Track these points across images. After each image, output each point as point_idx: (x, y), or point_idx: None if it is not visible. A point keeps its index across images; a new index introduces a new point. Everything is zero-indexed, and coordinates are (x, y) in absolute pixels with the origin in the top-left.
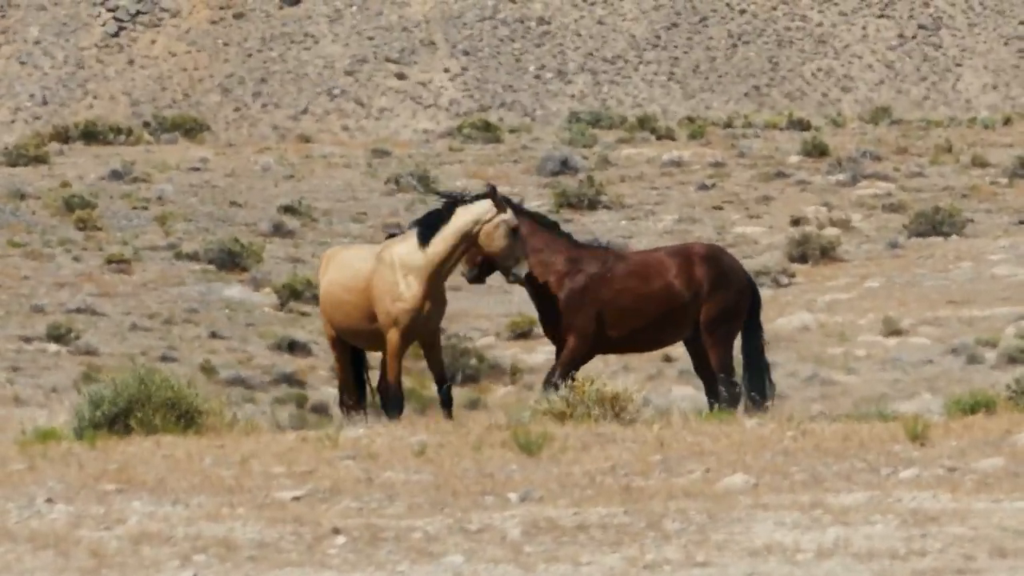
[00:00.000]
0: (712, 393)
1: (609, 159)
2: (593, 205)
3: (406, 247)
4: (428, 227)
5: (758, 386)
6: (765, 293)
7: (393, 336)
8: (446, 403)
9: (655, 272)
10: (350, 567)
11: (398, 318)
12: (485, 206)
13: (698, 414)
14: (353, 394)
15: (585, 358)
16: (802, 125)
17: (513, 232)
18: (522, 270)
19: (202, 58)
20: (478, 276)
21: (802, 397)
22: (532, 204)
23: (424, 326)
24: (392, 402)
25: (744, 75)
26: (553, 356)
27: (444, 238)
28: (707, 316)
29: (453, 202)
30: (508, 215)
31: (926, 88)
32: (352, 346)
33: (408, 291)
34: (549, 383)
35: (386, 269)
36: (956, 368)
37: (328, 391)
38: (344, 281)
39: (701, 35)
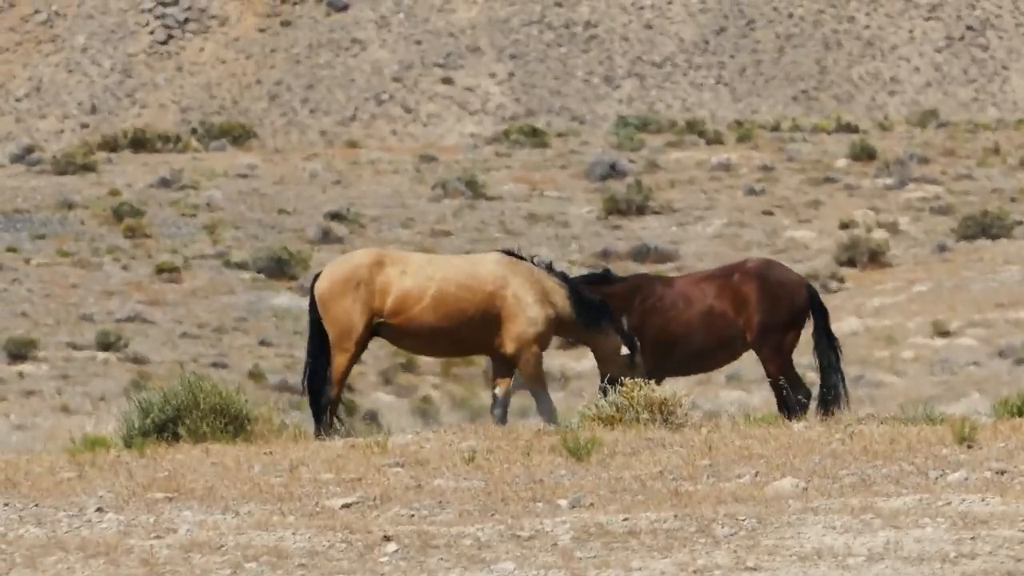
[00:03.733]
0: (782, 403)
1: (657, 163)
2: (641, 210)
3: (553, 282)
4: (585, 298)
5: (832, 393)
6: None
7: (531, 350)
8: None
9: (698, 297)
10: (401, 575)
11: (539, 334)
12: (618, 343)
13: (746, 418)
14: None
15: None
16: (850, 128)
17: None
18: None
19: (250, 65)
20: None
21: (849, 399)
22: (582, 210)
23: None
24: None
25: (792, 78)
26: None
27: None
28: (756, 330)
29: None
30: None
31: (974, 90)
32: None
33: (546, 313)
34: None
35: (523, 284)
36: (1004, 370)
37: (380, 397)
38: (458, 279)
39: (748, 38)
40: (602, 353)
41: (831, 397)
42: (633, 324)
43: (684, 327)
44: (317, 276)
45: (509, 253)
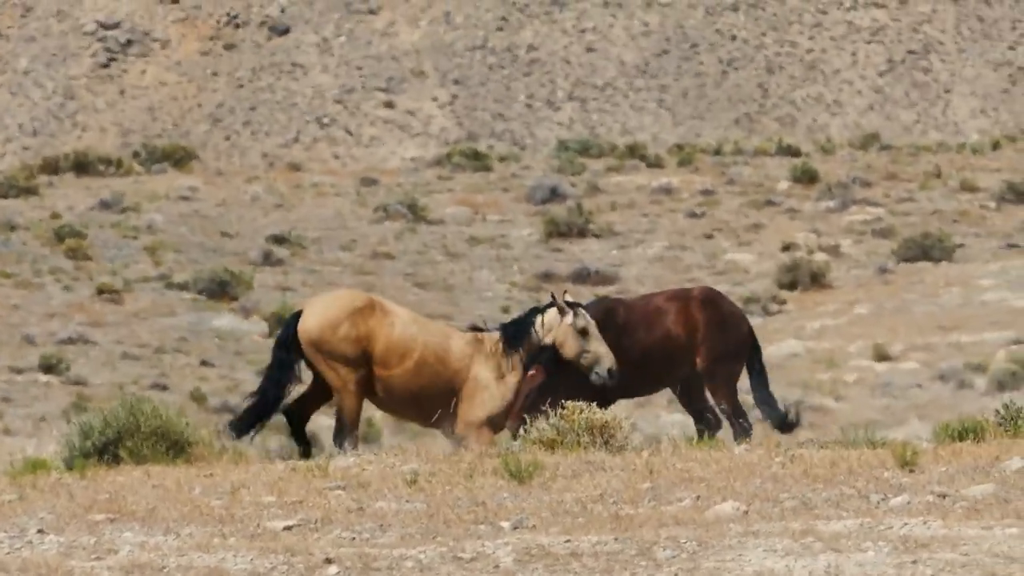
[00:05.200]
0: (702, 422)
1: (599, 186)
2: (583, 233)
3: (497, 348)
4: (514, 335)
5: (773, 414)
6: (755, 321)
7: (484, 435)
8: None
9: (656, 319)
10: None
11: (491, 416)
12: (552, 314)
13: (688, 441)
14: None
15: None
16: (792, 151)
17: (581, 333)
18: (603, 367)
19: (192, 88)
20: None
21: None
22: (523, 233)
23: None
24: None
25: (734, 101)
26: None
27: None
28: (708, 358)
29: (533, 310)
30: (572, 317)
31: (916, 113)
32: (284, 382)
33: (506, 392)
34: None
35: (484, 365)
36: (945, 394)
37: (321, 420)
38: (436, 350)
39: (691, 62)
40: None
41: (792, 419)
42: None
43: (646, 350)
44: (296, 315)
45: (476, 329)
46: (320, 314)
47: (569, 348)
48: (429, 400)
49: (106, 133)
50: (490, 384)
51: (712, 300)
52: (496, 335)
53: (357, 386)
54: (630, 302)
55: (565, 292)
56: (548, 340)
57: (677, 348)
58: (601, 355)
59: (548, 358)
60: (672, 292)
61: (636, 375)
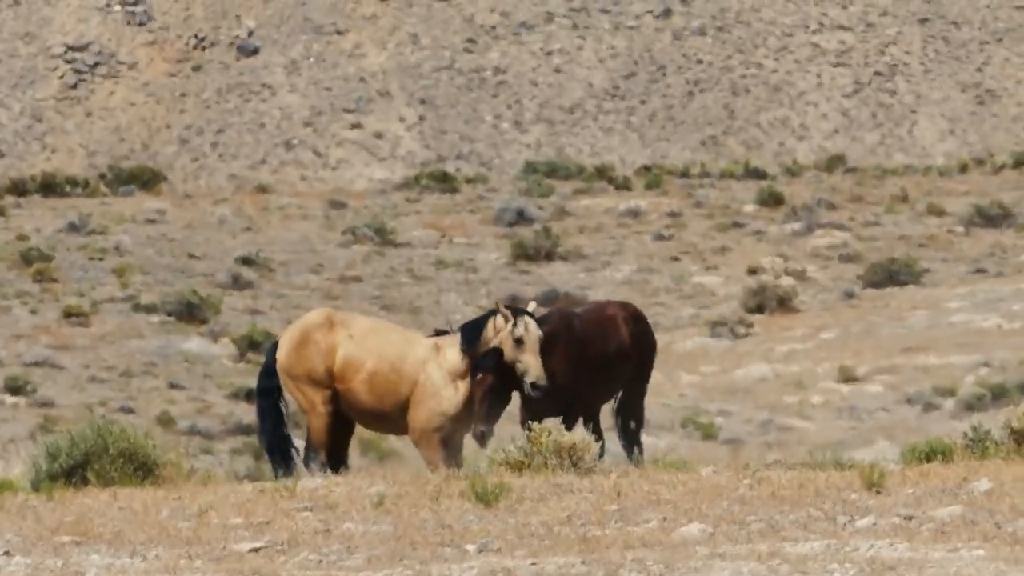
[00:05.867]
0: (635, 444)
1: (566, 209)
2: (550, 256)
3: (455, 352)
4: (470, 337)
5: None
6: (723, 343)
7: (432, 441)
8: None
9: (612, 333)
10: None
11: (441, 424)
12: (500, 319)
13: (654, 463)
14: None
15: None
16: (758, 174)
17: (517, 343)
18: (529, 379)
19: (160, 110)
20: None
21: (757, 444)
22: (491, 256)
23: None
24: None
25: (701, 124)
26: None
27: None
28: (644, 370)
29: (491, 312)
30: (513, 326)
31: (882, 136)
32: (277, 407)
33: (456, 398)
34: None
35: (438, 370)
36: (912, 416)
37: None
38: (392, 359)
39: (658, 84)
40: None
41: (638, 453)
42: (571, 358)
43: (604, 360)
44: (275, 345)
45: (440, 332)
46: (287, 339)
47: (507, 355)
48: (392, 410)
49: (74, 155)
50: (439, 390)
51: (642, 315)
52: (456, 337)
53: (325, 407)
54: (580, 314)
55: (533, 301)
56: (495, 343)
57: (627, 360)
58: (529, 367)
59: (493, 362)
60: (606, 303)
61: (595, 389)
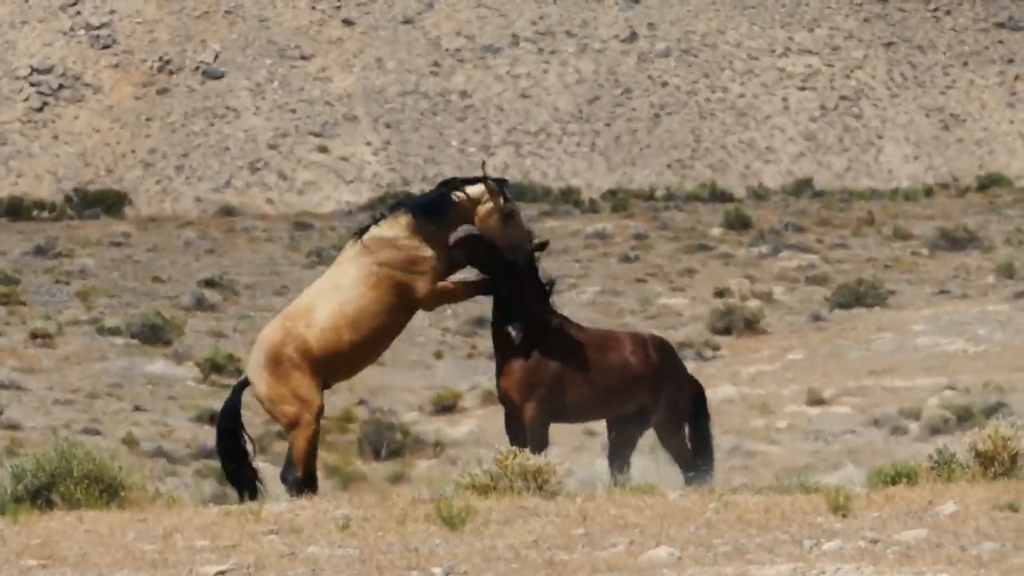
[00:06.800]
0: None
1: (532, 232)
2: None
3: (405, 220)
4: (427, 211)
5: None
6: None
7: (430, 286)
8: None
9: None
10: None
11: (432, 268)
12: (479, 189)
13: (621, 486)
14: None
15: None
16: (724, 197)
17: (507, 218)
18: (518, 256)
19: (125, 133)
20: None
21: (724, 468)
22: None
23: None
24: None
25: (666, 147)
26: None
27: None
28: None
29: (444, 184)
30: (504, 200)
31: (848, 159)
32: (242, 447)
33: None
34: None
35: (393, 248)
36: (879, 439)
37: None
38: (350, 290)
39: (624, 107)
40: None
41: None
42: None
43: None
44: (241, 384)
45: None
46: (257, 369)
47: (491, 232)
48: (398, 313)
49: (40, 179)
50: (422, 250)
51: (667, 346)
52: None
53: (314, 421)
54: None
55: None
56: (471, 212)
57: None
58: (520, 244)
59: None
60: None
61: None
